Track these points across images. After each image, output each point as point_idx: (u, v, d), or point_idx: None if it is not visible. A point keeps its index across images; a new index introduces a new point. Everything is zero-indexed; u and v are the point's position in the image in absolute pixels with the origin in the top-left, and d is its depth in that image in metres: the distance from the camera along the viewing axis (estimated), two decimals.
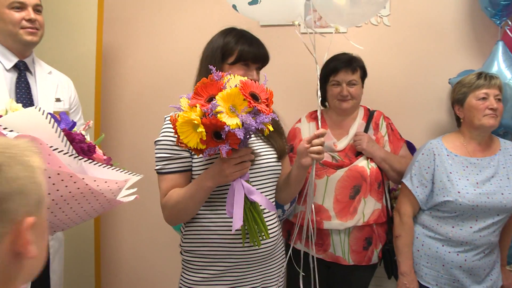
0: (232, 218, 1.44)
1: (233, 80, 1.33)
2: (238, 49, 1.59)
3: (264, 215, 1.57)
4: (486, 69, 2.18)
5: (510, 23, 2.29)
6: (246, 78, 1.37)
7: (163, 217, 1.61)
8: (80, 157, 1.13)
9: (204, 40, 1.70)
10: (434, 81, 2.48)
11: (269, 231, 1.60)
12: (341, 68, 2.06)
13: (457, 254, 1.90)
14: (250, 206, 1.45)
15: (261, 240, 1.51)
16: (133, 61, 2.86)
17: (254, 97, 1.29)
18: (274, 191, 1.71)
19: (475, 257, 1.90)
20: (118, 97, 2.89)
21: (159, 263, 2.91)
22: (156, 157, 1.58)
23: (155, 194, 1.65)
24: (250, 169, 1.57)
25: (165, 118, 1.63)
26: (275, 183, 1.70)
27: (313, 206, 1.76)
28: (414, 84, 2.53)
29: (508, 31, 2.28)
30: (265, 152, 1.66)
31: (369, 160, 2.05)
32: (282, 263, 1.74)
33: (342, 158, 2.07)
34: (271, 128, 1.33)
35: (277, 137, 1.71)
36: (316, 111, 2.22)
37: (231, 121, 1.23)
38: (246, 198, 1.43)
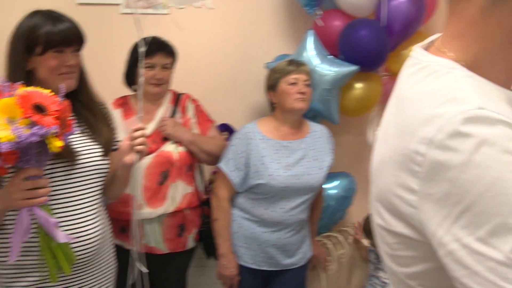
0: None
1: (21, 90, 1.19)
2: (43, 35, 1.39)
3: (85, 216, 1.49)
4: (298, 55, 2.29)
5: (320, 12, 2.44)
6: (39, 88, 1.22)
7: None
8: None
9: None
10: (253, 65, 2.54)
11: (88, 236, 1.49)
12: (158, 50, 2.00)
13: (271, 234, 2.02)
14: (47, 237, 1.31)
15: (61, 275, 1.39)
16: None
17: (39, 108, 1.16)
18: (101, 191, 1.61)
19: (287, 234, 2.04)
20: None
21: None
22: None
23: None
24: (71, 170, 1.45)
25: None
26: (102, 182, 1.60)
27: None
28: (235, 67, 2.57)
29: (318, 20, 2.43)
30: (88, 150, 1.54)
31: (177, 144, 2.04)
32: (110, 263, 1.66)
33: (150, 144, 2.03)
34: (57, 144, 1.20)
35: (104, 130, 1.61)
36: (125, 97, 2.14)
37: (0, 134, 1.10)
38: (41, 227, 1.29)
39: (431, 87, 0.68)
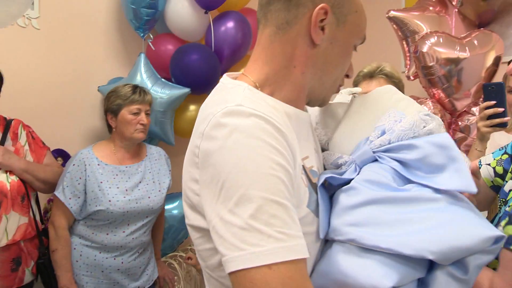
0: None
1: None
2: None
3: None
4: (131, 78, 2.32)
5: (151, 36, 2.50)
6: None
7: None
8: None
9: None
10: (86, 88, 2.48)
11: None
12: None
13: (114, 259, 1.99)
14: None
15: None
16: None
17: None
18: None
19: (131, 258, 2.03)
20: None
21: None
22: None
23: None
24: None
25: None
26: None
27: None
28: (67, 91, 2.47)
29: (150, 44, 2.49)
30: None
31: (8, 173, 1.90)
32: None
33: None
34: None
35: None
36: None
37: None
38: None
39: (217, 97, 0.81)
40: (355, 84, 1.75)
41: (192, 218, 0.80)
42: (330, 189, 0.85)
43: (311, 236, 0.76)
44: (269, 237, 0.64)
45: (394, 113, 0.90)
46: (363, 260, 0.72)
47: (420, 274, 0.74)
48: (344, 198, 0.79)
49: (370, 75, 1.70)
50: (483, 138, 1.73)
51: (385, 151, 0.85)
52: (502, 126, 1.63)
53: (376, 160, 0.86)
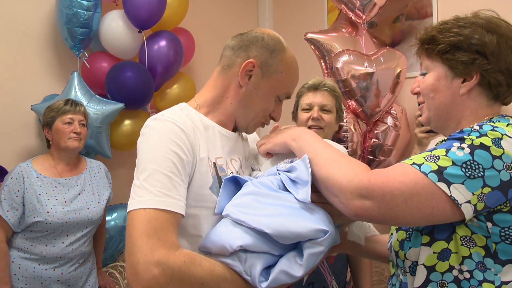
0: None
1: None
2: None
3: None
4: (66, 95, 2.38)
5: (86, 54, 2.59)
6: None
7: None
8: None
9: None
10: (18, 107, 2.52)
11: None
12: None
13: (54, 270, 2.04)
14: None
15: None
16: None
17: None
18: None
19: (71, 268, 2.09)
20: None
21: None
22: None
23: None
24: None
25: None
26: None
27: None
28: (1, 108, 2.49)
29: (85, 61, 2.57)
30: None
31: None
32: None
33: None
34: None
35: None
36: None
37: None
38: None
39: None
40: (299, 95, 1.89)
41: None
42: None
43: (209, 210, 1.07)
44: (150, 192, 0.94)
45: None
46: (231, 228, 1.01)
47: (271, 249, 1.00)
48: (241, 190, 1.09)
49: (315, 87, 1.85)
50: (421, 143, 1.91)
51: (285, 170, 1.11)
52: (435, 131, 1.84)
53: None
